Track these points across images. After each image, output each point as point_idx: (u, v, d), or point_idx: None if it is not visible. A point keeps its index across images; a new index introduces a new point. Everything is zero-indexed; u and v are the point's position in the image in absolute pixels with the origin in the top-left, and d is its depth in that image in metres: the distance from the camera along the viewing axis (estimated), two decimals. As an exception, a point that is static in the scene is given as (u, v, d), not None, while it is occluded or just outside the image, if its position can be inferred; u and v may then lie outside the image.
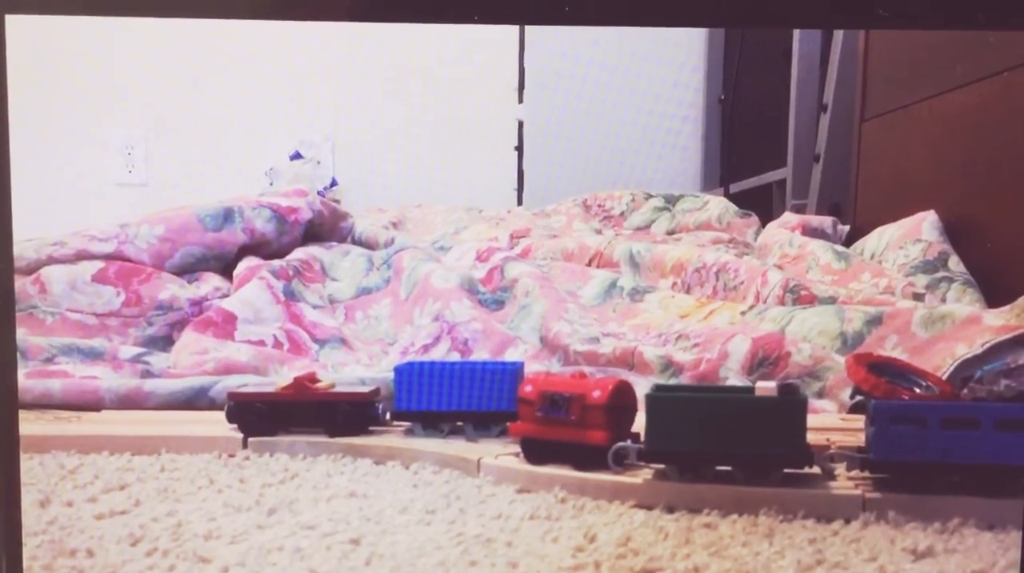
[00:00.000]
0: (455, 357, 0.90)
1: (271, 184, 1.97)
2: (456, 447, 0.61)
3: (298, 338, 0.95)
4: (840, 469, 0.51)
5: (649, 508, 0.50)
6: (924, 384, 0.54)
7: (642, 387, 0.59)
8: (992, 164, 0.95)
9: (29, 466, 0.58)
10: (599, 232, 1.38)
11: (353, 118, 2.04)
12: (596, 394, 0.53)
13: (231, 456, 0.62)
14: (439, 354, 0.91)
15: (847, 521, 0.47)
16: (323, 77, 2.01)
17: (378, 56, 2.00)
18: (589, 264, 1.15)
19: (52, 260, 1.00)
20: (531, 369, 0.81)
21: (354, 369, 0.90)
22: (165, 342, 0.96)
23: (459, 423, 0.64)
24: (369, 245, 1.21)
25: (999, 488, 0.47)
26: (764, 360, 0.75)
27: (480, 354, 0.90)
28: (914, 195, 1.09)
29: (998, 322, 0.73)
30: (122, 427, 0.68)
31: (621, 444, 0.52)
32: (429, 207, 1.53)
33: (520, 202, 1.95)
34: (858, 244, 1.13)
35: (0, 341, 0.33)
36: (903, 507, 0.47)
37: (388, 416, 0.66)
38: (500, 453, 0.58)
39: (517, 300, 0.99)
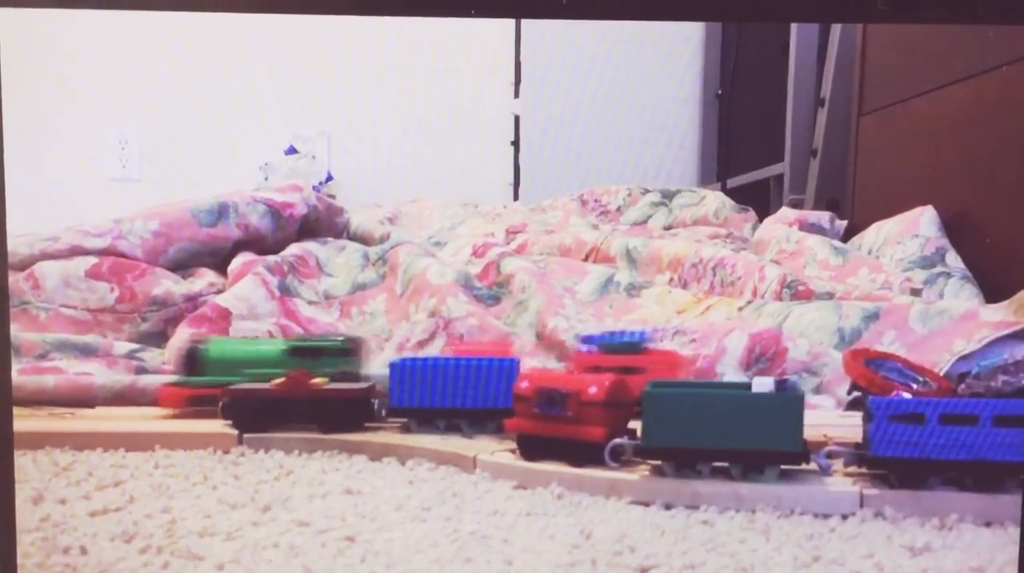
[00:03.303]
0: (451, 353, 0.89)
1: (266, 179, 1.96)
2: (452, 443, 0.60)
3: (293, 334, 0.95)
4: (837, 465, 0.51)
5: (646, 505, 0.50)
6: (922, 380, 0.54)
7: (639, 383, 0.58)
8: (991, 159, 0.95)
9: (23, 463, 0.58)
10: (596, 227, 1.37)
11: (349, 113, 2.03)
12: (593, 390, 0.53)
13: (226, 452, 0.62)
14: (435, 350, 0.91)
15: (844, 518, 0.47)
16: (318, 71, 2.00)
17: (374, 50, 1.99)
18: (586, 259, 1.14)
19: (45, 256, 0.99)
20: (527, 365, 0.80)
21: (350, 365, 0.89)
22: (159, 338, 0.96)
23: (455, 419, 0.64)
24: (364, 240, 1.21)
25: (997, 484, 0.47)
26: (761, 356, 0.75)
27: (476, 350, 0.89)
28: (912, 190, 1.09)
29: (996, 318, 0.73)
30: (116, 423, 0.67)
31: (618, 440, 0.52)
32: (425, 202, 1.53)
33: (516, 197, 1.94)
34: (856, 239, 1.12)
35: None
36: (900, 503, 0.47)
37: (384, 412, 0.66)
38: (496, 449, 0.58)
39: (513, 296, 0.99)
